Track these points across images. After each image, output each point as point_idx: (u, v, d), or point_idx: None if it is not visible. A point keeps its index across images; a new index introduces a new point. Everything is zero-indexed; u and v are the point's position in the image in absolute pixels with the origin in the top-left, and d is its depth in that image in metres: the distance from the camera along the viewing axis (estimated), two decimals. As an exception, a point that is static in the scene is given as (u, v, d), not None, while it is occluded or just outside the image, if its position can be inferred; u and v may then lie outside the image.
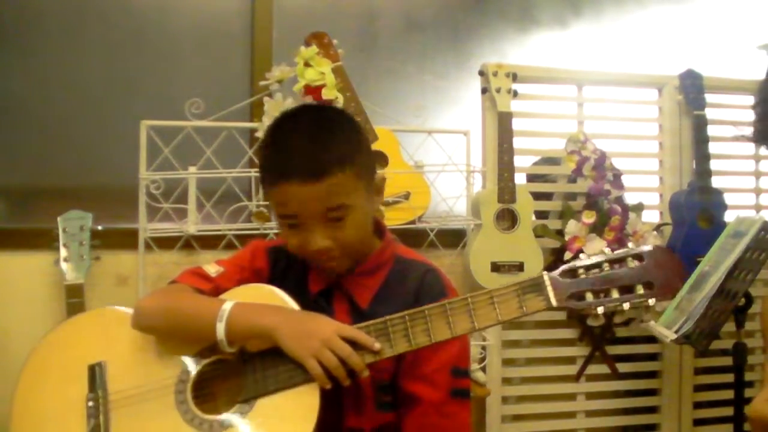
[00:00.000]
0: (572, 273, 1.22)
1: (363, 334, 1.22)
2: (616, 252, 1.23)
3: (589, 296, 1.21)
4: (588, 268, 1.22)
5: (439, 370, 1.29)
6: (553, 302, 1.21)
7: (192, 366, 1.30)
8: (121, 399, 1.32)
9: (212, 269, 1.39)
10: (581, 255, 1.27)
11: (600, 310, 1.21)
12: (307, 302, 1.32)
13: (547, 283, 1.22)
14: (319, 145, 1.26)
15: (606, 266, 1.22)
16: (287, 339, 1.21)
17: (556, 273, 1.23)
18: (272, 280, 1.37)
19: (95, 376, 1.34)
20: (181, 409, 1.27)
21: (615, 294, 1.21)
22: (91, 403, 1.32)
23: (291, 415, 1.21)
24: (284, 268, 1.40)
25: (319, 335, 1.20)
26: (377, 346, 1.21)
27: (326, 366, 1.19)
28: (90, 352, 1.36)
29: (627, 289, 1.21)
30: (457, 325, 1.22)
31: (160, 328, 1.33)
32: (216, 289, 1.35)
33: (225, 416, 1.24)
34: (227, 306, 1.25)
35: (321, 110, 1.39)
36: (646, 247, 1.23)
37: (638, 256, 1.21)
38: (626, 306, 1.20)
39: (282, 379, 1.23)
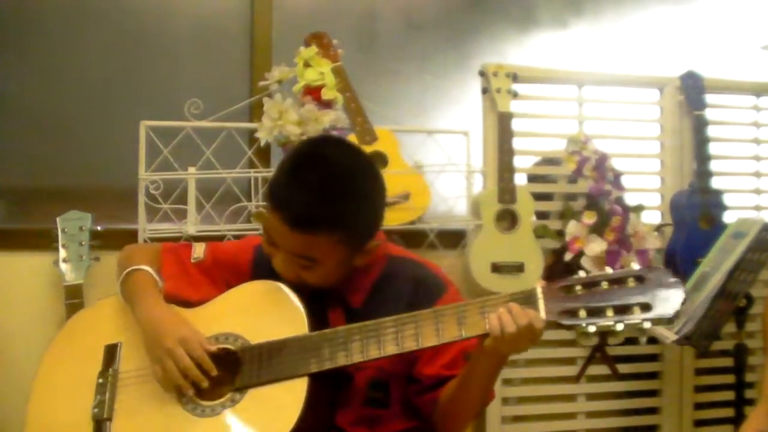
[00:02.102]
0: (568, 289, 1.20)
1: (199, 348, 1.29)
2: (617, 271, 1.20)
3: (582, 313, 1.18)
4: (586, 284, 1.19)
5: (456, 356, 1.35)
6: (543, 315, 1.19)
7: None
8: (128, 378, 1.38)
9: (195, 253, 1.49)
10: (581, 273, 1.22)
11: (592, 329, 1.17)
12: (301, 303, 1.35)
13: (539, 296, 1.20)
14: (320, 200, 1.28)
15: (605, 284, 1.18)
16: (145, 340, 1.36)
17: (550, 286, 1.20)
18: (255, 276, 1.42)
19: (110, 355, 1.41)
20: (168, 388, 1.32)
21: (610, 314, 1.17)
22: (100, 380, 1.38)
23: (277, 406, 1.26)
24: (272, 267, 1.42)
25: (163, 344, 1.29)
26: (209, 349, 1.30)
27: (168, 374, 1.28)
28: (110, 333, 1.44)
29: (623, 310, 1.17)
30: (444, 333, 1.23)
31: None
32: (185, 272, 1.45)
33: (217, 402, 1.29)
34: (129, 269, 1.43)
35: (349, 156, 1.37)
36: (650, 270, 1.18)
37: (639, 278, 1.18)
38: (620, 327, 1.16)
39: (275, 371, 1.27)
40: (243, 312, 1.37)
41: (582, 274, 1.21)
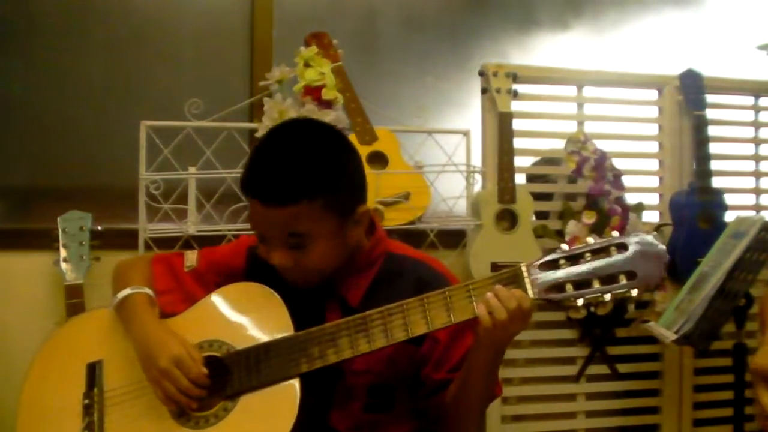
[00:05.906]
0: (552, 264, 1.19)
1: (195, 367, 1.25)
2: (598, 241, 1.19)
3: (570, 288, 1.18)
4: (569, 258, 1.19)
5: (462, 357, 1.34)
6: (531, 294, 1.19)
7: None
8: (116, 396, 1.34)
9: (188, 261, 1.45)
10: (563, 245, 1.22)
11: (580, 302, 1.17)
12: (297, 303, 1.33)
13: (525, 274, 1.20)
14: (290, 169, 1.24)
15: (588, 256, 1.18)
16: (139, 360, 1.32)
17: (535, 264, 1.20)
18: (248, 278, 1.40)
19: (92, 374, 1.37)
20: (170, 406, 1.30)
21: (596, 285, 1.17)
22: (86, 401, 1.35)
23: (272, 411, 1.24)
24: (267, 267, 1.39)
25: (157, 364, 1.26)
26: (203, 371, 1.26)
27: (166, 395, 1.25)
28: (90, 351, 1.40)
29: (609, 280, 1.17)
30: (434, 320, 1.22)
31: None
32: (178, 285, 1.42)
33: (210, 412, 1.28)
34: (122, 294, 1.37)
35: (313, 129, 1.34)
36: (631, 237, 1.18)
37: (622, 245, 1.17)
38: (607, 297, 1.17)
39: (265, 375, 1.26)
40: (226, 316, 1.35)
41: (564, 247, 1.20)
